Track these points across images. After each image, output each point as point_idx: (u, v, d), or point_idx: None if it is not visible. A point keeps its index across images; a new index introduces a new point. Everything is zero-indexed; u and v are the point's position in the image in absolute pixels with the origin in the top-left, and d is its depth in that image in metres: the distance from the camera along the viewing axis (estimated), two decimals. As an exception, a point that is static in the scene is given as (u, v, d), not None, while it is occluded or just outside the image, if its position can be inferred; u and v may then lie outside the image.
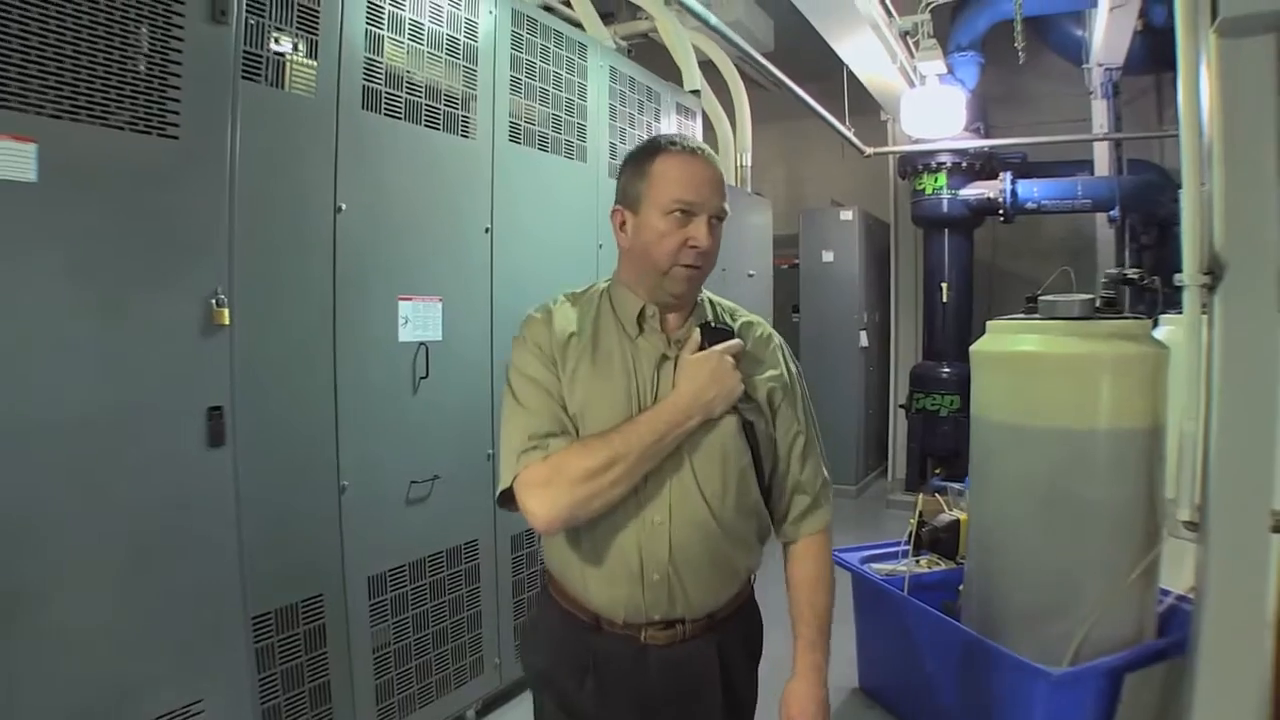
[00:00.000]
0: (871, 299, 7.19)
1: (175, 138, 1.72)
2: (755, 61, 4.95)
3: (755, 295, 5.80)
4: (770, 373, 1.46)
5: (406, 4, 2.51)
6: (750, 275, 5.74)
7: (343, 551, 2.34)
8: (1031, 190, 6.16)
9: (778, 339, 1.55)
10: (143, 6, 1.67)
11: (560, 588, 1.43)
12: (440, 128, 2.64)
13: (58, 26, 1.54)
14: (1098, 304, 2.40)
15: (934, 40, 5.66)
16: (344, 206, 2.31)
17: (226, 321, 1.82)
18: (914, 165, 6.48)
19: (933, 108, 5.65)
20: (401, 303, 2.50)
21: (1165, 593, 2.58)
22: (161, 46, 1.70)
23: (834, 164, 7.48)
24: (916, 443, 6.57)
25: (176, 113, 1.73)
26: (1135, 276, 2.45)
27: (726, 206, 1.38)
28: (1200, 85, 2.14)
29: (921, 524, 3.05)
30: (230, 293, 1.84)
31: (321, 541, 2.28)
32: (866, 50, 5.16)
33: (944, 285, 6.39)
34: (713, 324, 1.41)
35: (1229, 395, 2.05)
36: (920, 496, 3.17)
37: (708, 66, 5.54)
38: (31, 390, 1.55)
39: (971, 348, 2.61)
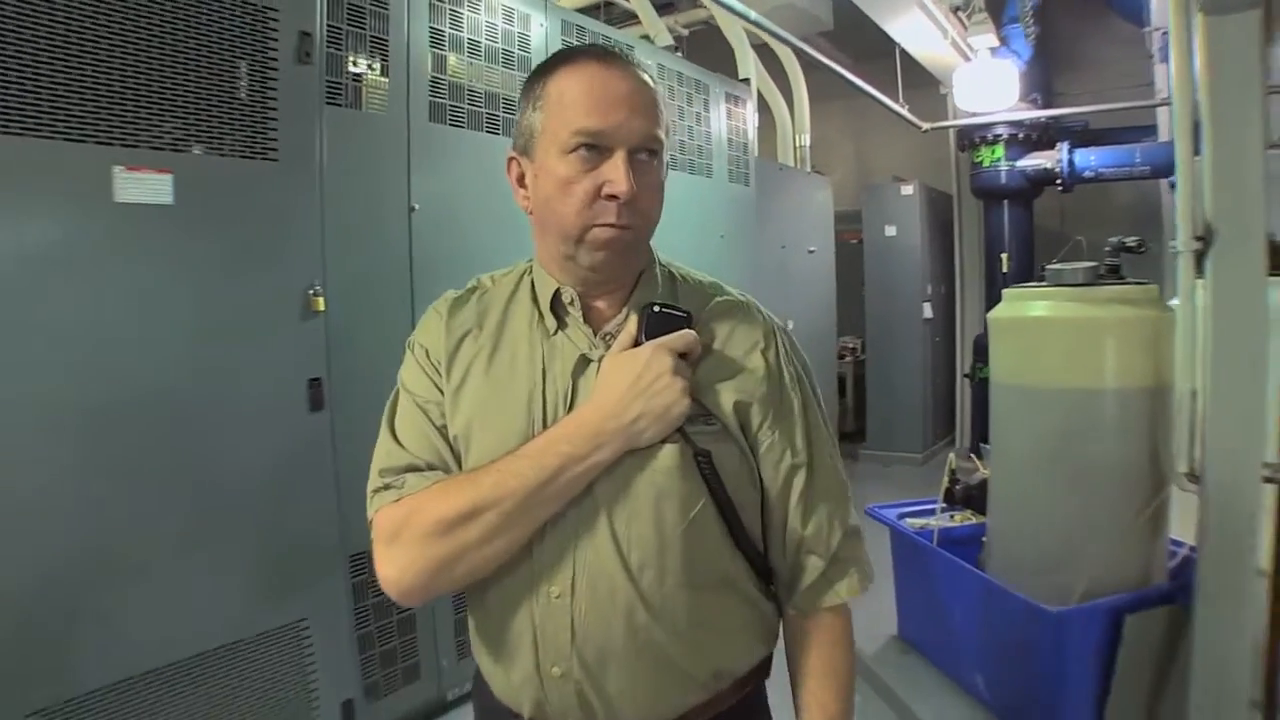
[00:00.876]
0: (936, 271, 7.31)
1: (275, 160, 2.12)
2: (807, 43, 5.18)
3: (816, 271, 6.03)
4: (750, 380, 1.04)
5: (465, 24, 2.86)
6: (811, 251, 5.98)
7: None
8: (1089, 159, 6.21)
9: (771, 328, 1.10)
10: (244, 57, 2.05)
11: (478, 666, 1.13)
12: (499, 132, 2.99)
13: (183, 83, 1.94)
14: (1102, 271, 2.60)
15: (984, 15, 5.76)
16: (417, 206, 2.68)
17: (321, 308, 2.21)
18: (971, 138, 6.59)
19: (985, 81, 5.75)
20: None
21: (1178, 545, 2.77)
22: (260, 88, 2.09)
23: (898, 139, 7.59)
24: (979, 410, 6.71)
25: (275, 141, 2.12)
26: (1133, 244, 2.59)
27: (661, 134, 0.99)
28: (1192, 61, 2.32)
29: (955, 482, 3.28)
30: (325, 284, 2.23)
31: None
32: (917, 28, 5.32)
33: (1004, 256, 6.49)
34: (657, 307, 1.02)
35: (1220, 354, 2.24)
36: (952, 455, 3.39)
37: (769, 49, 5.77)
38: (169, 365, 1.96)
39: (988, 315, 2.84)
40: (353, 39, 2.48)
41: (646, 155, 0.98)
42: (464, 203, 2.84)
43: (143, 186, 1.88)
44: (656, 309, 1.01)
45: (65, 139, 1.75)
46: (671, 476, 0.98)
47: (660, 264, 1.11)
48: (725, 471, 1.01)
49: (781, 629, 1.14)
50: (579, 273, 1.02)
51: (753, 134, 4.79)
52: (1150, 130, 6.24)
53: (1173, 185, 6.06)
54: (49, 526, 1.75)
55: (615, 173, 0.94)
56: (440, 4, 2.77)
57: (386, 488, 0.99)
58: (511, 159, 1.05)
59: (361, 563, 2.47)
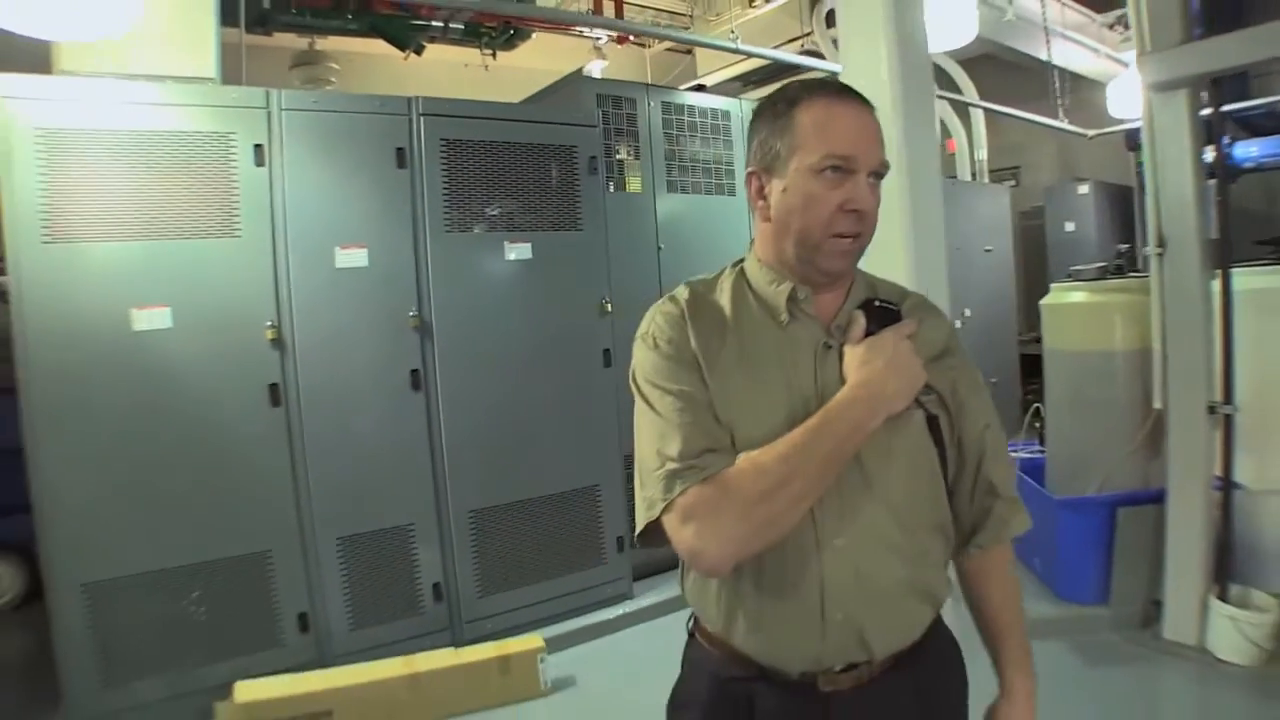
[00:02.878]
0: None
1: (581, 230, 3.95)
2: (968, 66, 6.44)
3: (993, 268, 7.24)
4: (949, 359, 1.30)
5: (685, 111, 4.61)
6: (988, 250, 7.21)
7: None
8: (1250, 150, 6.95)
9: (946, 317, 1.38)
10: (563, 176, 3.91)
11: (714, 637, 1.28)
12: (714, 193, 4.72)
13: (536, 196, 3.83)
14: (1111, 269, 3.91)
15: (1128, 34, 6.76)
16: (663, 247, 4.48)
17: (609, 310, 4.02)
18: (1135, 139, 7.48)
19: (1136, 90, 6.72)
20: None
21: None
22: (570, 191, 3.93)
23: (1077, 139, 8.54)
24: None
25: (581, 221, 3.95)
26: (1125, 250, 3.88)
27: (888, 159, 1.22)
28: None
29: (1040, 425, 4.62)
30: (610, 296, 4.04)
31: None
32: (1067, 52, 6.44)
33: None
34: (878, 303, 1.27)
35: (1173, 326, 3.53)
36: (1039, 406, 4.71)
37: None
38: (539, 335, 3.85)
39: (1041, 302, 4.20)
40: (616, 133, 4.30)
41: (875, 178, 1.20)
42: (691, 241, 4.58)
43: (518, 251, 3.77)
44: (877, 303, 1.26)
45: (484, 231, 3.69)
46: (920, 437, 1.24)
47: (858, 272, 1.33)
48: (944, 432, 1.27)
49: (955, 567, 1.36)
50: (810, 273, 1.23)
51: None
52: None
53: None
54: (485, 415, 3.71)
55: (858, 191, 1.17)
56: (668, 104, 4.55)
57: (690, 468, 1.12)
58: (752, 174, 1.26)
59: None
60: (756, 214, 1.28)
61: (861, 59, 2.83)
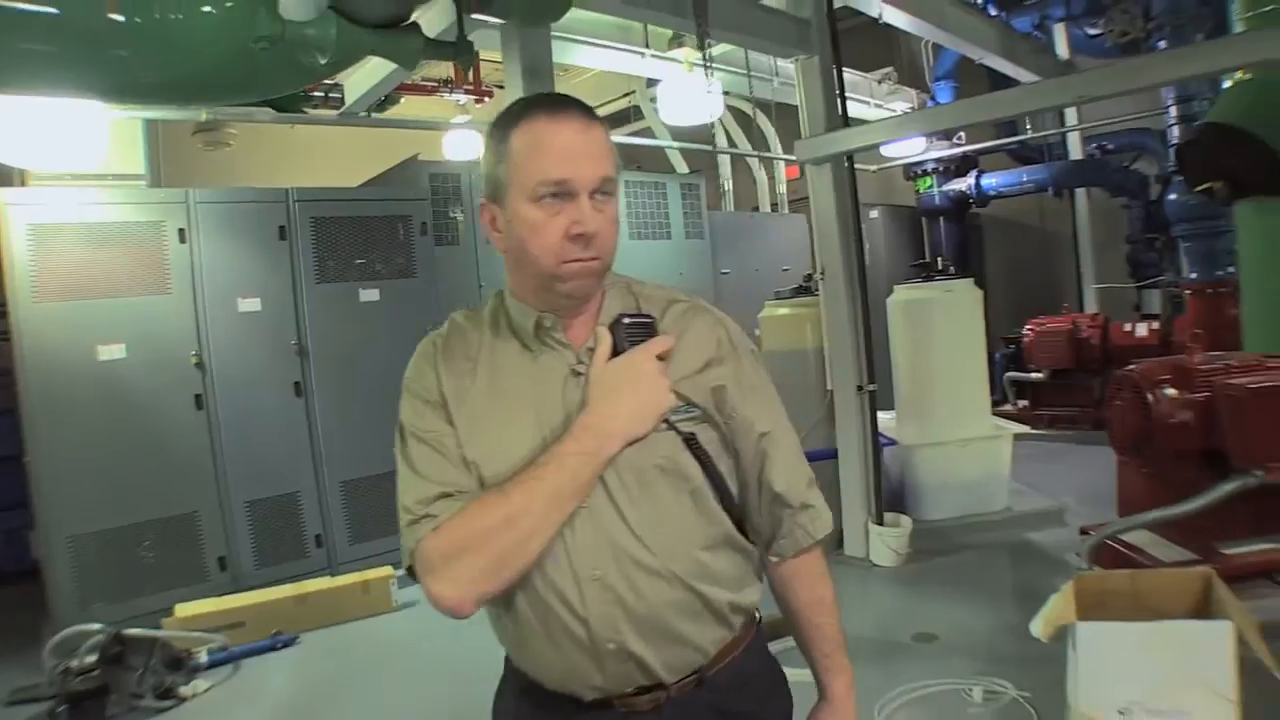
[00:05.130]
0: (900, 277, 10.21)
1: (417, 277, 5.61)
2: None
3: (784, 283, 9.03)
4: (716, 369, 1.31)
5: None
6: (785, 270, 9.03)
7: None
8: (992, 181, 9.03)
9: (719, 319, 1.38)
10: (402, 239, 5.58)
11: (515, 663, 1.33)
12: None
13: (381, 253, 5.50)
14: (801, 289, 5.74)
15: (897, 86, 8.77)
16: (484, 285, 6.17)
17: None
18: (912, 172, 9.53)
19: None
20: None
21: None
22: (409, 250, 5.60)
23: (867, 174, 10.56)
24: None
25: (416, 270, 5.62)
26: (927, 262, 5.73)
27: (612, 173, 1.22)
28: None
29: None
30: (441, 324, 5.74)
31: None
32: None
33: (939, 259, 9.34)
34: (626, 319, 1.27)
35: (830, 330, 5.34)
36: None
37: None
38: (387, 360, 5.53)
39: (759, 315, 5.99)
40: (451, 199, 6.00)
41: (602, 195, 1.21)
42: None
43: (369, 294, 5.42)
44: (626, 319, 1.27)
45: (344, 282, 5.33)
46: (676, 457, 1.25)
47: (619, 281, 1.35)
48: (709, 449, 1.29)
49: (767, 579, 1.41)
50: (555, 300, 1.25)
51: (704, 207, 8.05)
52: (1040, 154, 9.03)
53: (1055, 195, 8.87)
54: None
55: (582, 214, 1.18)
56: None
57: (424, 517, 1.19)
58: (484, 205, 1.28)
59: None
60: (495, 245, 1.29)
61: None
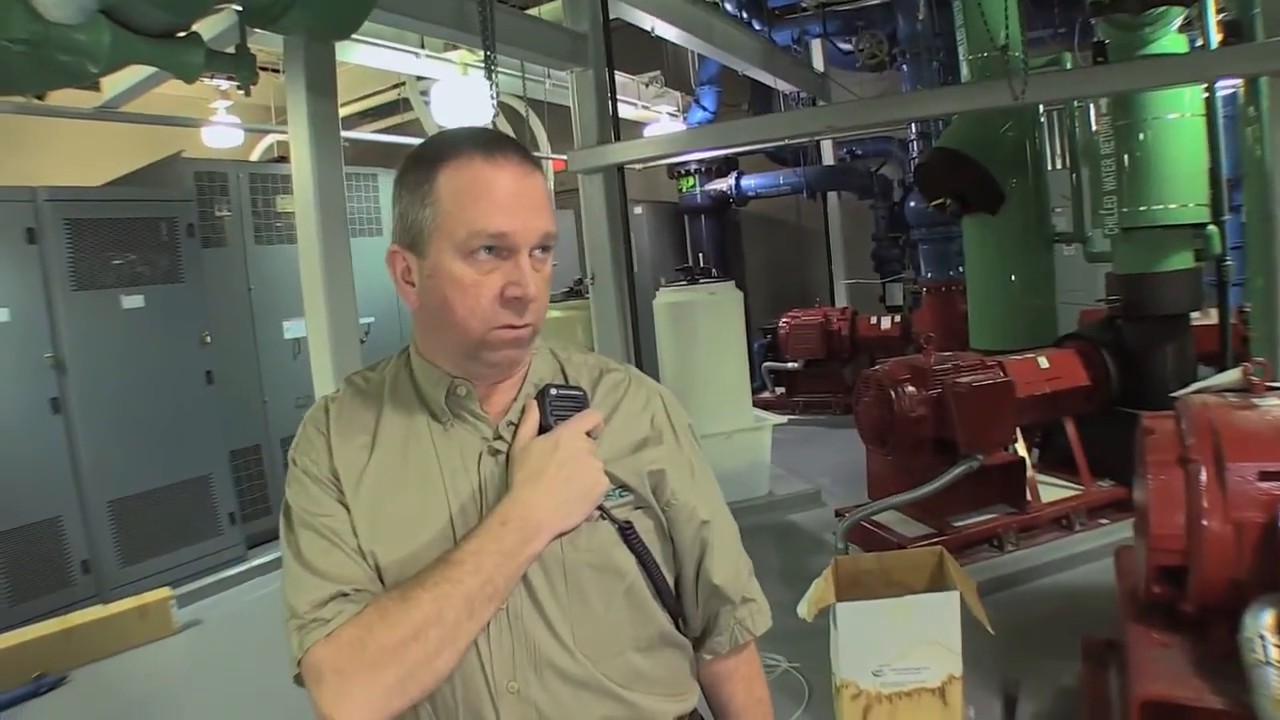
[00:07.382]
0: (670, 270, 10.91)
1: (184, 281, 5.54)
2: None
3: (553, 284, 9.51)
4: (654, 449, 1.20)
5: (271, 179, 6.34)
6: (554, 265, 9.46)
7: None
8: (751, 182, 9.89)
9: (654, 391, 1.27)
10: (167, 241, 5.51)
11: None
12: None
13: (146, 257, 5.41)
14: (573, 292, 6.19)
15: (664, 89, 9.40)
16: (253, 288, 6.16)
17: (209, 341, 5.70)
18: (675, 171, 10.24)
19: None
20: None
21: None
22: (174, 252, 5.53)
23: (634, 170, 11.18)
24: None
25: (183, 273, 5.54)
26: (690, 266, 6.30)
27: (554, 228, 1.10)
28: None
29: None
30: (209, 329, 5.71)
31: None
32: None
33: (700, 255, 10.12)
34: (553, 389, 1.15)
35: (600, 330, 5.76)
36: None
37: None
38: (176, 363, 5.47)
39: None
40: (218, 199, 5.94)
41: (541, 253, 1.09)
42: (277, 282, 6.30)
43: (132, 301, 5.30)
44: (553, 390, 1.14)
45: (105, 288, 5.19)
46: (610, 550, 1.13)
47: (542, 346, 1.22)
48: (644, 539, 1.16)
49: (700, 678, 1.30)
50: (475, 368, 1.12)
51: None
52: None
53: (806, 198, 9.81)
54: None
55: (520, 275, 1.05)
56: (255, 174, 6.24)
57: (313, 623, 1.02)
58: (394, 252, 1.11)
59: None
60: (404, 299, 1.15)
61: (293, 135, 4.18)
